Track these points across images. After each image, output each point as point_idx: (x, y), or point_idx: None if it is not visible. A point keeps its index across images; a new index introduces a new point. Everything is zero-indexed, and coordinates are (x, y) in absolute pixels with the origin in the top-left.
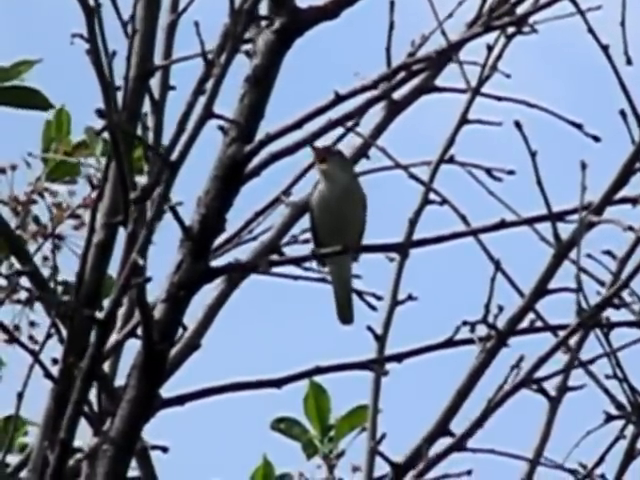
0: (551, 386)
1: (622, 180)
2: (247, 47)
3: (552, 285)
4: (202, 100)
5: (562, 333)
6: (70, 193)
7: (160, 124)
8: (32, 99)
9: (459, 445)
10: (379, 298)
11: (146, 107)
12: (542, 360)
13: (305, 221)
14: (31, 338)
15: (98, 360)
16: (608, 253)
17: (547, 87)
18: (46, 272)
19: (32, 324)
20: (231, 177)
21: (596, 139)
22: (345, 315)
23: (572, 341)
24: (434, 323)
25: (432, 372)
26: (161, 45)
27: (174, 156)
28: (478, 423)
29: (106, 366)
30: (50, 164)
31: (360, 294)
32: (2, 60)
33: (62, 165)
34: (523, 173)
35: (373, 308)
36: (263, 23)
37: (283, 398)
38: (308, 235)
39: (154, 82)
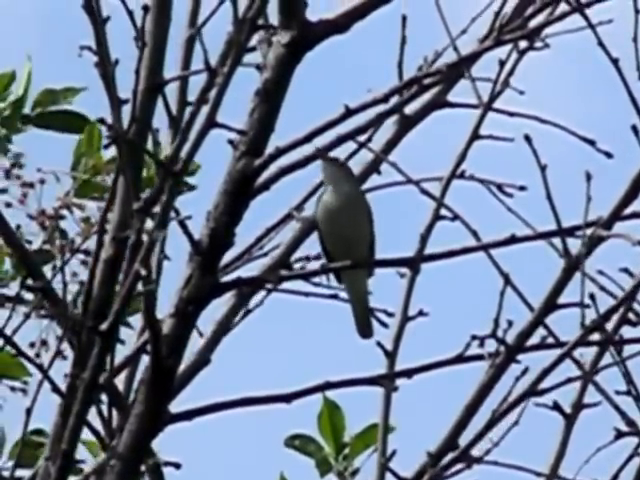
0: (550, 398)
1: (632, 194)
2: (254, 58)
3: (563, 300)
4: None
5: (573, 351)
6: (99, 208)
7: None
8: (77, 124)
9: (463, 456)
10: (390, 315)
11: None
12: (546, 372)
13: (316, 236)
14: (59, 353)
15: (100, 371)
16: (625, 270)
17: (561, 102)
18: (75, 287)
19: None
20: (240, 191)
21: (608, 155)
22: (365, 330)
23: (587, 359)
24: (444, 337)
25: (444, 386)
26: (179, 60)
27: (177, 166)
28: (482, 434)
29: (120, 381)
30: (79, 180)
31: (371, 310)
32: (52, 83)
33: (91, 181)
34: (536, 188)
35: (384, 325)
36: (268, 32)
37: (297, 415)
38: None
39: (171, 97)
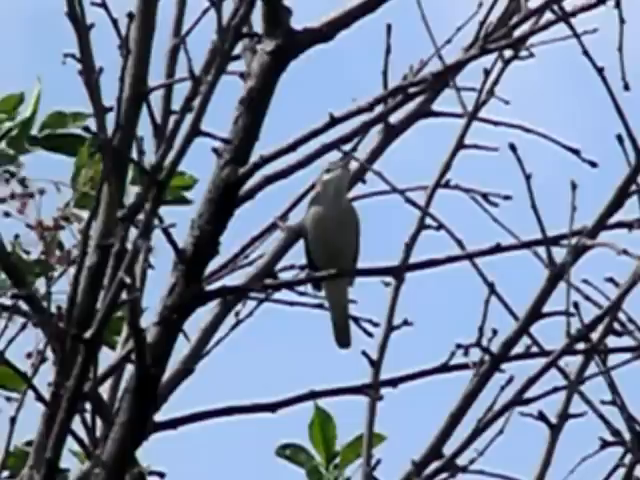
0: (535, 408)
1: (617, 204)
2: (238, 66)
3: (548, 309)
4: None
5: (559, 360)
6: None
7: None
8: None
9: (448, 466)
10: (376, 325)
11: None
12: (531, 381)
13: (301, 245)
14: (43, 361)
15: (84, 380)
16: (611, 280)
17: (546, 111)
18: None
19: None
20: (225, 200)
21: (593, 164)
22: (343, 339)
23: (573, 368)
24: (429, 347)
25: (429, 395)
26: (163, 68)
27: (161, 174)
28: (467, 443)
29: (105, 390)
30: (79, 192)
31: (357, 320)
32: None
33: (90, 193)
34: (521, 197)
35: (369, 335)
36: (252, 40)
37: (288, 424)
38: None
39: (156, 106)
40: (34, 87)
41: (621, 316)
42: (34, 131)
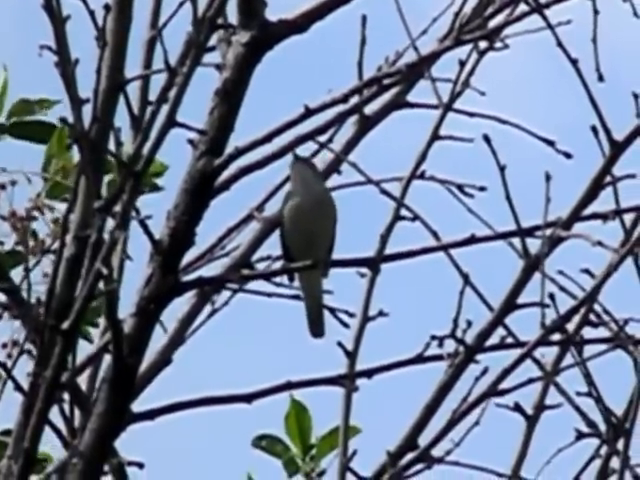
0: (512, 399)
1: (591, 195)
2: (214, 58)
3: (523, 300)
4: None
5: (534, 351)
6: None
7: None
8: (52, 135)
9: (423, 456)
10: (351, 315)
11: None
12: (506, 372)
13: (277, 236)
14: (23, 352)
15: (62, 370)
16: (586, 271)
17: (522, 103)
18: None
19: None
20: (200, 191)
21: (568, 156)
22: (317, 329)
23: (549, 359)
24: (404, 338)
25: (404, 386)
26: (141, 60)
27: (138, 165)
28: (442, 434)
29: (84, 380)
30: (50, 182)
31: (333, 311)
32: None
33: (61, 183)
34: (497, 189)
35: (345, 325)
36: (228, 32)
37: (266, 414)
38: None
39: (134, 97)
40: (1, 75)
41: (597, 307)
42: (1, 119)
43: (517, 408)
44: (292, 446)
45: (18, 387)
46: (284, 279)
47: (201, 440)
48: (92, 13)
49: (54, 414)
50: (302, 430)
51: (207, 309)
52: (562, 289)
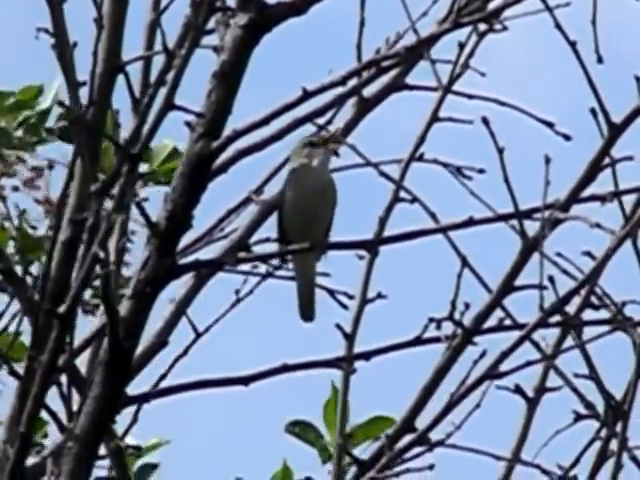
0: (508, 379)
1: (589, 177)
2: (212, 41)
3: (521, 282)
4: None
5: (532, 333)
6: None
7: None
8: None
9: (421, 439)
10: (351, 297)
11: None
12: (504, 354)
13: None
14: (18, 334)
15: (58, 354)
16: (588, 254)
17: (522, 85)
18: None
19: None
20: (198, 174)
21: (567, 138)
22: (307, 312)
23: (549, 342)
24: (402, 320)
25: (402, 368)
26: (142, 43)
27: (135, 148)
28: (440, 417)
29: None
30: None
31: (332, 293)
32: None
33: None
34: (497, 171)
35: (344, 307)
36: (226, 14)
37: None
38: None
39: (135, 80)
40: (54, 80)
41: (597, 290)
42: (50, 122)
43: (518, 390)
44: (326, 434)
45: (12, 372)
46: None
47: (234, 422)
48: None
49: (52, 397)
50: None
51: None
52: (563, 271)
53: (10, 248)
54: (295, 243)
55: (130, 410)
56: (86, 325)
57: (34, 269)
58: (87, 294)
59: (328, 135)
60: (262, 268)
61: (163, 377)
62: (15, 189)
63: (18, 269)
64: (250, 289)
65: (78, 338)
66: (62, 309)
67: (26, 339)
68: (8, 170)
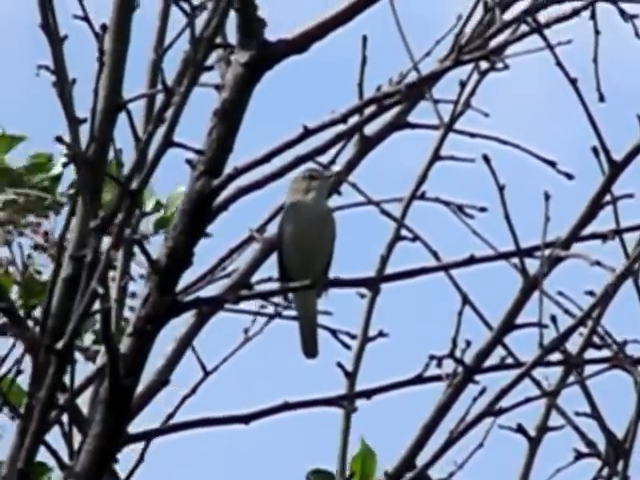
0: (510, 417)
1: (590, 215)
2: (213, 78)
3: (522, 320)
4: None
5: (532, 371)
6: None
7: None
8: None
9: (421, 477)
10: (353, 337)
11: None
12: (504, 391)
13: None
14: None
15: (57, 390)
16: (590, 293)
17: (524, 123)
18: None
19: None
20: (199, 211)
21: (569, 177)
22: (310, 349)
23: (551, 381)
24: (403, 358)
25: (402, 407)
26: (146, 80)
27: (134, 184)
28: (439, 454)
29: (85, 402)
30: None
31: (334, 332)
32: None
33: None
34: (499, 209)
35: (347, 347)
36: (226, 51)
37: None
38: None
39: (138, 118)
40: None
41: (598, 329)
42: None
43: (520, 430)
44: None
45: (13, 409)
46: (282, 300)
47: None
48: (97, 35)
49: (54, 436)
50: (365, 474)
51: (240, 338)
52: (565, 311)
53: (13, 294)
54: (296, 280)
55: (136, 448)
56: (87, 369)
57: (37, 312)
58: (88, 340)
59: (322, 169)
60: (270, 308)
61: (171, 416)
62: (20, 234)
63: (21, 312)
64: (260, 328)
65: (79, 379)
66: (60, 345)
67: (24, 383)
68: (18, 220)
